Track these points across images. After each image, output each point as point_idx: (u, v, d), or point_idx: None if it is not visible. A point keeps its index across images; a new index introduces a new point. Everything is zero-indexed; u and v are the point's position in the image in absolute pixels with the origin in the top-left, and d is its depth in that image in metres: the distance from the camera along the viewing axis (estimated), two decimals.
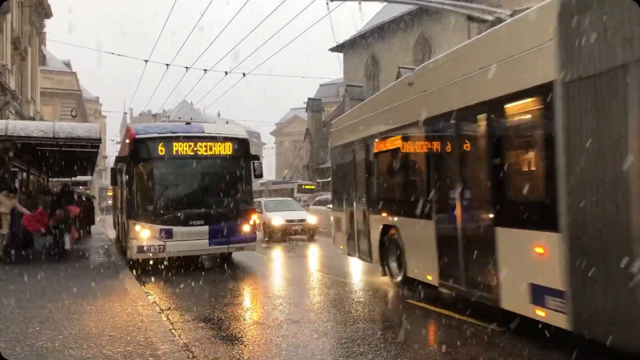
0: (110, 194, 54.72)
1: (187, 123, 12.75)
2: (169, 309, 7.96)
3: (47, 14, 36.56)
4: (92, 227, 23.55)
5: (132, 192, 11.55)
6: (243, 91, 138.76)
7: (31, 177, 20.38)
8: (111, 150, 55.33)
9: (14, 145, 12.40)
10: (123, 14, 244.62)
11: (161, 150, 11.44)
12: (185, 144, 11.53)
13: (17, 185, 14.16)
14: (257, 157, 12.42)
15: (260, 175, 12.57)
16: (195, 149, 11.58)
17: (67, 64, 52.97)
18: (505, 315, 5.96)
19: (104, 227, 27.29)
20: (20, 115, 28.17)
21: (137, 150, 11.42)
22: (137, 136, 11.54)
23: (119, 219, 16.24)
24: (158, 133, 11.77)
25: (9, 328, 6.28)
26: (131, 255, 11.37)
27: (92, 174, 25.34)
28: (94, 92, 72.08)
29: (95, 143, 12.94)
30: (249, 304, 8.95)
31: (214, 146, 11.76)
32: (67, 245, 13.80)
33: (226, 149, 11.88)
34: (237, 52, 19.25)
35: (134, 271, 11.07)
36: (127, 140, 11.95)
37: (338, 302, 8.51)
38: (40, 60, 38.63)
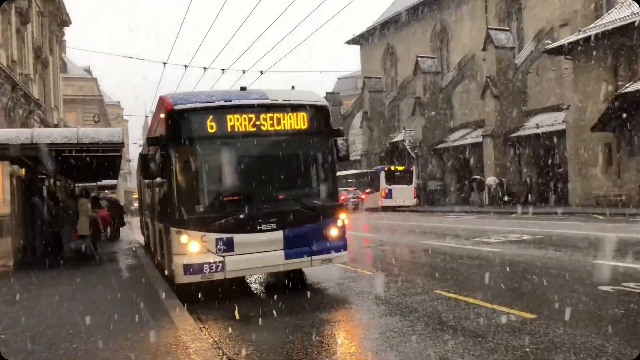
0: (135, 196, 55.50)
1: (242, 88, 9.08)
2: None
3: (66, 22, 37.08)
4: (121, 229, 23.85)
5: (172, 186, 8.14)
6: (261, 88, 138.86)
7: (57, 183, 20.72)
8: (134, 153, 56.00)
9: (41, 153, 12.61)
10: (140, 18, 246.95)
11: (211, 125, 8.15)
12: (245, 116, 8.24)
13: (44, 192, 14.41)
14: (340, 133, 9.08)
15: (346, 157, 9.03)
16: (258, 122, 8.29)
17: (88, 70, 53.73)
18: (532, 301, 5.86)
19: (131, 229, 27.62)
20: (45, 123, 28.68)
21: (177, 126, 8.11)
22: (177, 107, 8.13)
23: (150, 223, 13.11)
24: (205, 102, 8.40)
25: None
26: (177, 279, 8.07)
27: (116, 178, 25.66)
28: (115, 96, 72.94)
29: (118, 147, 13.05)
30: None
31: (284, 118, 8.47)
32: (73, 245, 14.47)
33: (301, 122, 8.58)
34: (254, 50, 19.27)
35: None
36: (162, 115, 8.53)
37: None
38: (61, 67, 39.22)
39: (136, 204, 47.50)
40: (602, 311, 6.50)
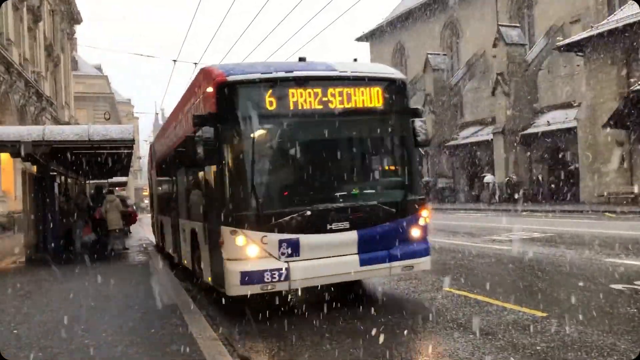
0: (146, 193, 55.71)
1: (301, 59, 7.54)
2: None
3: (77, 20, 37.31)
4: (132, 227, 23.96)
5: (223, 176, 6.69)
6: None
7: (69, 180, 20.88)
8: (145, 150, 56.26)
9: (52, 150, 12.71)
10: (150, 17, 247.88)
11: (271, 102, 6.66)
12: (310, 90, 6.72)
13: (55, 189, 14.52)
14: (418, 113, 7.56)
15: (426, 142, 7.50)
16: (326, 99, 6.80)
17: (99, 68, 54.07)
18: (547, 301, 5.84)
19: (141, 226, 27.76)
20: (56, 120, 28.91)
21: (231, 102, 6.62)
22: (230, 78, 6.68)
23: (171, 222, 11.54)
24: (266, 73, 6.90)
25: None
26: (231, 289, 6.52)
27: (127, 175, 25.79)
28: (126, 94, 73.40)
29: (129, 144, 13.12)
30: None
31: (356, 94, 6.96)
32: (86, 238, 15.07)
33: (378, 98, 7.08)
34: (263, 46, 19.32)
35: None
36: (209, 89, 6.91)
37: None
38: (72, 65, 39.47)
39: (147, 201, 47.60)
40: (613, 310, 6.44)
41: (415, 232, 7.13)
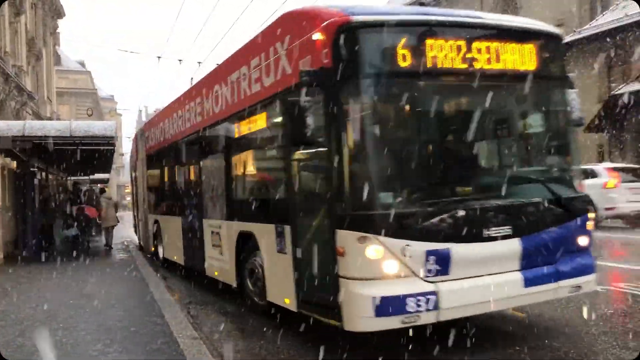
0: (128, 190, 55.05)
1: (421, 4, 6.38)
2: None
3: (60, 13, 36.86)
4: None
5: (340, 158, 4.61)
6: None
7: (50, 176, 20.61)
8: (128, 147, 55.76)
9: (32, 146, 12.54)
10: (135, 13, 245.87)
11: (404, 55, 4.66)
12: (455, 42, 4.80)
13: (36, 184, 14.35)
14: (571, 83, 5.64)
15: (580, 122, 5.62)
16: (473, 56, 4.85)
17: (82, 64, 53.51)
18: None
19: (123, 224, 27.45)
20: (38, 116, 28.50)
21: (355, 53, 4.63)
22: (355, 19, 4.70)
23: (186, 222, 9.49)
24: (405, 14, 5.28)
25: None
26: (357, 322, 4.52)
27: (109, 172, 25.56)
28: (109, 90, 72.74)
29: (111, 141, 13.00)
30: None
31: (510, 50, 5.02)
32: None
33: (532, 58, 5.16)
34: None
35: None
36: (317, 36, 4.85)
37: None
38: (55, 60, 38.99)
39: (129, 199, 47.00)
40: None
41: (582, 240, 5.24)
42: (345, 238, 4.49)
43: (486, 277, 4.72)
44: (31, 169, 13.96)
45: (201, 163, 8.64)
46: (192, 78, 17.34)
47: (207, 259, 8.17)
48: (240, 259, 6.83)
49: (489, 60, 4.91)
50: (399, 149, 4.92)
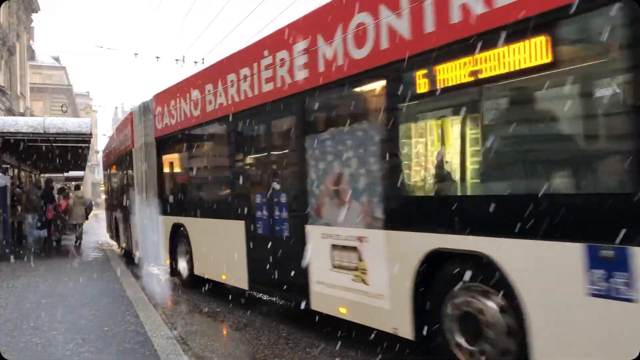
0: (102, 188, 54.15)
1: None
2: None
3: (35, 8, 36.24)
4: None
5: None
6: None
7: (22, 173, 20.25)
8: (103, 144, 55.09)
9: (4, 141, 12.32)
10: (112, 8, 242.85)
11: None
12: None
13: (9, 181, 14.06)
14: None
15: None
16: None
17: (57, 59, 52.65)
18: None
19: (98, 222, 27.13)
20: (10, 112, 27.98)
21: None
22: None
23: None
24: None
25: None
26: None
27: (84, 170, 25.24)
28: (85, 87, 71.81)
29: (86, 138, 12.84)
30: None
31: None
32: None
33: None
34: (229, 42, 19.21)
35: None
36: None
37: None
38: (29, 55, 38.31)
39: (104, 196, 46.14)
40: None
41: None
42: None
43: None
44: (3, 166, 13.69)
45: (294, 142, 5.72)
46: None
47: (314, 284, 5.40)
48: (418, 291, 4.13)
49: None
50: None
